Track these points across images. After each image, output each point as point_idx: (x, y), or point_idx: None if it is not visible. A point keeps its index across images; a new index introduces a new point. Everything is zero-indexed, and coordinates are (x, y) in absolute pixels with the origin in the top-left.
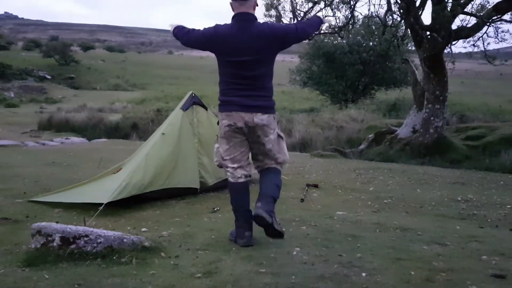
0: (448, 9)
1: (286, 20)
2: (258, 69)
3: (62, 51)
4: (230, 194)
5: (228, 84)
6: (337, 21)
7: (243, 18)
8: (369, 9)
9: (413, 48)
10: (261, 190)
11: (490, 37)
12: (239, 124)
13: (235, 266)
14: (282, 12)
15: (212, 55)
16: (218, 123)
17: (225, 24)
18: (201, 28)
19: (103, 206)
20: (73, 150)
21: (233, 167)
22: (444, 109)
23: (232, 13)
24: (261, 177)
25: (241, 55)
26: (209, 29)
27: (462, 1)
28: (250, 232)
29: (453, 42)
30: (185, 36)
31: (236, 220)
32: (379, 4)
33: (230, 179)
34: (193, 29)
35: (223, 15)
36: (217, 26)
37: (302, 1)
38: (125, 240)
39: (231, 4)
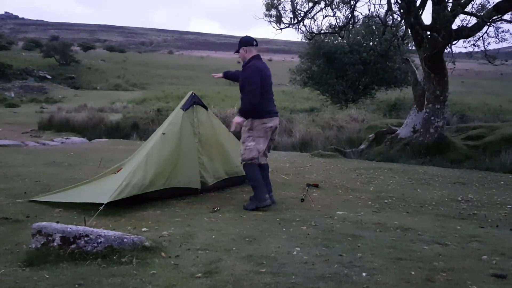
0: (449, 9)
1: (286, 20)
2: None
3: (62, 51)
4: (253, 173)
5: (266, 100)
6: (338, 21)
7: (260, 57)
8: (369, 9)
9: (414, 48)
10: (267, 180)
11: (490, 37)
12: (275, 125)
13: (235, 266)
14: (282, 12)
15: (212, 55)
16: (250, 127)
17: (257, 62)
18: (254, 78)
19: (103, 206)
20: (73, 150)
21: (261, 156)
22: (444, 109)
23: (251, 54)
24: (265, 171)
25: (270, 79)
26: (256, 70)
27: (462, 1)
28: (270, 194)
29: (454, 42)
30: (254, 95)
31: (259, 189)
32: (380, 4)
33: (254, 162)
34: (256, 85)
35: (223, 15)
36: (257, 65)
37: (302, 1)
38: (125, 240)
39: (247, 49)
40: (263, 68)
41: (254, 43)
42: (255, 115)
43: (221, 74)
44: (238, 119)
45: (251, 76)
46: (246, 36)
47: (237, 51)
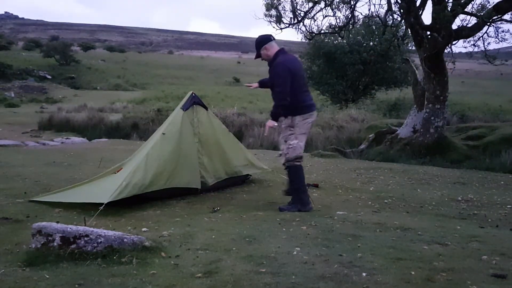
0: (449, 9)
1: (286, 20)
2: None
3: (62, 51)
4: (299, 174)
5: (303, 94)
6: (338, 21)
7: (285, 51)
8: (369, 9)
9: (414, 48)
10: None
11: (490, 37)
12: (314, 120)
13: (235, 266)
14: (282, 12)
15: (212, 55)
16: (291, 124)
17: (283, 58)
18: (281, 77)
19: (103, 206)
20: (73, 150)
21: (301, 154)
22: (444, 109)
23: (274, 50)
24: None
25: (302, 71)
26: (283, 68)
27: (462, 1)
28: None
29: (454, 42)
30: (283, 96)
31: (303, 192)
32: (380, 4)
33: (297, 163)
34: (284, 85)
35: (223, 15)
36: (285, 61)
37: (302, 1)
38: (125, 240)
39: (267, 46)
40: (291, 61)
41: (272, 37)
42: (295, 111)
43: (256, 84)
44: (270, 122)
45: (278, 76)
46: (261, 35)
47: (258, 55)
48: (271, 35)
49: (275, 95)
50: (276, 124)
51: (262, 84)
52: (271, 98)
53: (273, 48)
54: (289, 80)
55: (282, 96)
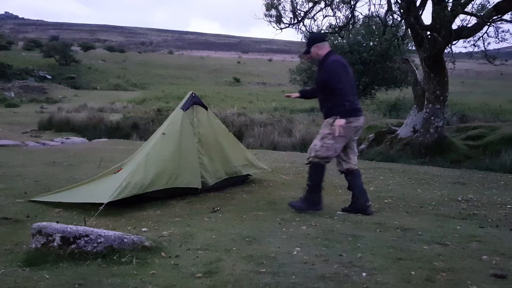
0: (449, 9)
1: (286, 20)
2: None
3: (62, 51)
4: (319, 174)
5: (352, 95)
6: (338, 21)
7: (334, 53)
8: (369, 9)
9: (414, 48)
10: (363, 188)
11: (490, 37)
12: (360, 125)
13: (235, 266)
14: (282, 12)
15: (212, 55)
16: (333, 123)
17: (337, 57)
18: (341, 75)
19: (103, 206)
20: (73, 150)
21: (333, 157)
22: (444, 109)
23: (325, 50)
24: (358, 178)
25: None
26: (341, 65)
27: (462, 1)
28: (368, 203)
29: (454, 42)
30: (346, 92)
31: (317, 192)
32: (380, 4)
33: (321, 162)
34: (344, 81)
35: (223, 15)
36: (340, 59)
37: (302, 1)
38: (125, 240)
39: (320, 45)
40: (346, 62)
41: (326, 37)
42: (340, 113)
43: (297, 94)
44: (340, 121)
45: (338, 73)
46: (315, 33)
47: (307, 51)
48: (326, 35)
49: (338, 93)
50: (345, 121)
51: (304, 94)
52: (319, 100)
53: (325, 48)
54: (346, 77)
55: (345, 91)
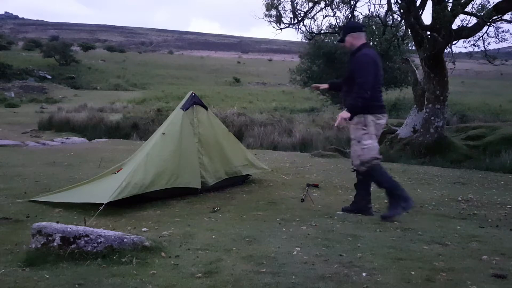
0: (449, 9)
1: (286, 20)
2: None
3: (62, 51)
4: (382, 174)
5: (378, 92)
6: (338, 21)
7: (369, 45)
8: (369, 9)
9: (414, 48)
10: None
11: (490, 37)
12: (385, 123)
13: (235, 266)
14: (282, 12)
15: (212, 55)
16: (364, 123)
17: (371, 50)
18: (368, 68)
19: (103, 206)
20: (73, 150)
21: (378, 156)
22: (444, 109)
23: (360, 42)
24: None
25: (382, 70)
26: (370, 60)
27: (462, 1)
28: (369, 205)
29: (454, 42)
30: (365, 88)
31: (398, 189)
32: (380, 4)
33: (374, 163)
34: (367, 77)
35: (223, 15)
36: (371, 53)
37: (302, 1)
38: (125, 240)
39: (356, 35)
40: (377, 56)
41: (364, 28)
42: (368, 110)
43: (326, 85)
44: (345, 114)
45: (365, 67)
46: (353, 22)
47: (342, 40)
48: (364, 26)
49: (357, 86)
50: (349, 116)
51: (333, 85)
52: (343, 93)
53: (360, 39)
54: (373, 73)
55: (364, 87)
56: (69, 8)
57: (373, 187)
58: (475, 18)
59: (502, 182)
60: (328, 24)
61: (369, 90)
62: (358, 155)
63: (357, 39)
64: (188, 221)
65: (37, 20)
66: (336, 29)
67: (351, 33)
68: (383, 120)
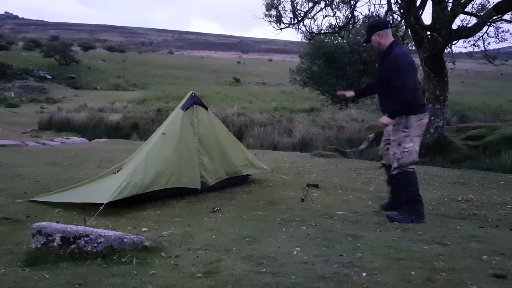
0: (449, 9)
1: (286, 20)
2: None
3: (62, 51)
4: (413, 182)
5: (417, 92)
6: (338, 21)
7: (399, 43)
8: (369, 9)
9: (414, 48)
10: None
11: (490, 37)
12: (427, 122)
13: (236, 266)
14: (282, 12)
15: (212, 55)
16: (406, 125)
17: (403, 49)
18: (405, 70)
19: (103, 206)
20: (73, 150)
21: (417, 160)
22: (444, 109)
23: (389, 40)
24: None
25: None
26: (406, 60)
27: (462, 1)
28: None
29: (454, 42)
30: (407, 91)
31: (418, 202)
32: (380, 4)
33: (410, 170)
34: (407, 79)
35: (223, 15)
36: (406, 54)
37: (302, 1)
38: (125, 240)
39: (383, 34)
40: (410, 55)
41: (389, 25)
42: (410, 111)
43: (352, 92)
44: (386, 119)
45: (403, 69)
46: (376, 19)
47: (368, 40)
48: (388, 22)
49: (396, 91)
50: (391, 121)
51: (359, 92)
52: (379, 97)
53: (388, 37)
54: (412, 74)
55: (406, 91)
56: (69, 8)
57: (372, 187)
58: (475, 18)
59: (502, 182)
60: (328, 24)
61: (411, 93)
62: (397, 158)
63: (385, 38)
64: (188, 221)
65: (37, 20)
66: (336, 29)
67: (377, 32)
68: (425, 119)
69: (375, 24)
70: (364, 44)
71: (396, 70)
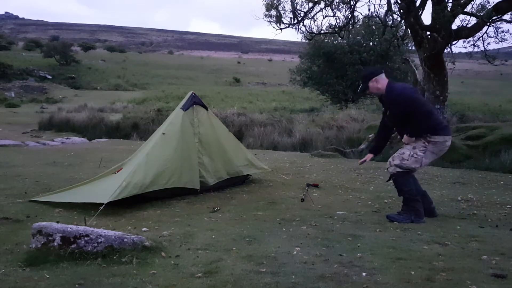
0: (448, 9)
1: (286, 20)
2: None
3: (62, 51)
4: (408, 182)
5: (436, 115)
6: (338, 21)
7: (392, 81)
8: (369, 9)
9: (413, 48)
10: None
11: (490, 37)
12: (449, 145)
13: (235, 265)
14: (282, 12)
15: (212, 55)
16: (429, 140)
17: (400, 85)
18: (413, 98)
19: (103, 205)
20: (73, 150)
21: (416, 170)
22: (444, 109)
23: (385, 83)
24: (416, 181)
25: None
26: (409, 92)
27: (462, 1)
28: (432, 206)
29: (453, 42)
30: (431, 113)
31: (416, 202)
32: (379, 4)
33: (404, 172)
34: (425, 107)
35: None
36: (405, 88)
37: (302, 1)
38: (125, 239)
39: (378, 79)
40: (409, 89)
41: (382, 70)
42: (435, 131)
43: (370, 155)
44: (408, 139)
45: (414, 99)
46: (369, 68)
47: (365, 88)
48: (382, 67)
49: (426, 115)
50: (413, 139)
51: (376, 149)
52: (398, 131)
53: (383, 81)
54: (419, 106)
55: (433, 111)
56: (69, 8)
57: (372, 187)
58: (475, 18)
59: (502, 182)
60: (328, 24)
61: (428, 122)
62: (402, 158)
63: (381, 82)
64: (188, 221)
65: (38, 20)
66: (336, 29)
67: (372, 79)
68: (449, 142)
69: (370, 72)
70: (361, 93)
71: (410, 102)
